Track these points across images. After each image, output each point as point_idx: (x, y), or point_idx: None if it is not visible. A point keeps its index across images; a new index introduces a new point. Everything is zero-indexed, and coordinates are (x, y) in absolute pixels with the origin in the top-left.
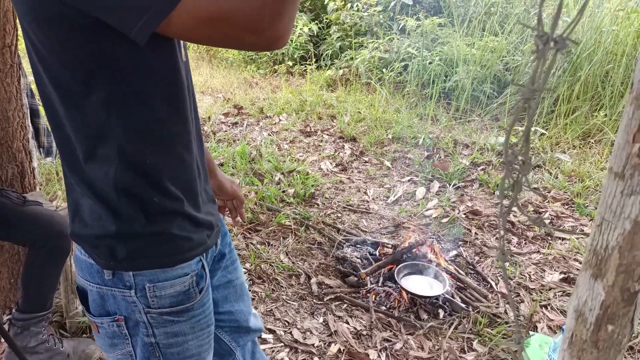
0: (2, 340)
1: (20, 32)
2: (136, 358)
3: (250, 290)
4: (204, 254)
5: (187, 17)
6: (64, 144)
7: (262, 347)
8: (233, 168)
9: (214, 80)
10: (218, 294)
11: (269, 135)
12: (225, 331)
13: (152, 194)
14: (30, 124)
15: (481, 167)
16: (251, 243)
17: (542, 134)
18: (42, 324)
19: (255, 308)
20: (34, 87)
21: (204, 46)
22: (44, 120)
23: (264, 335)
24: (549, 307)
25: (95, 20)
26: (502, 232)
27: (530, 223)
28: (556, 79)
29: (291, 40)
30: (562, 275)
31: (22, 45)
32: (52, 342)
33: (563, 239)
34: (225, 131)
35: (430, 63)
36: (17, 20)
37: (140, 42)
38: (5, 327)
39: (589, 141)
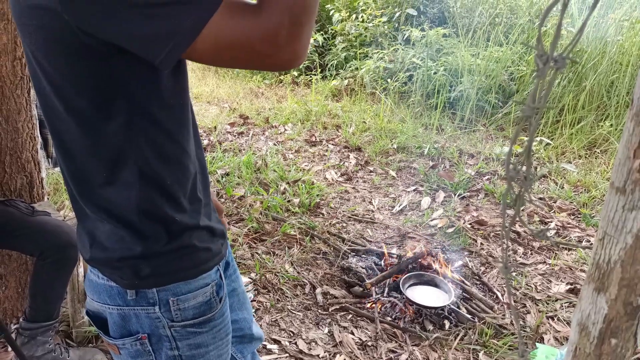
0: (9, 349)
1: None
2: None
3: (255, 300)
4: (220, 264)
5: (209, 43)
6: (75, 171)
7: (267, 357)
8: (239, 178)
9: (220, 90)
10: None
11: (275, 144)
12: (232, 342)
13: (172, 212)
14: (39, 135)
15: (486, 177)
16: (256, 253)
17: (548, 144)
18: (49, 333)
19: (260, 318)
20: None
21: None
22: None
23: (269, 346)
24: (555, 318)
25: (114, 48)
26: (506, 245)
27: (536, 237)
28: (561, 89)
29: None
30: (569, 286)
31: None
32: (58, 352)
33: (569, 249)
34: (231, 141)
35: (435, 73)
36: None
37: (164, 70)
38: (13, 336)
39: (595, 151)
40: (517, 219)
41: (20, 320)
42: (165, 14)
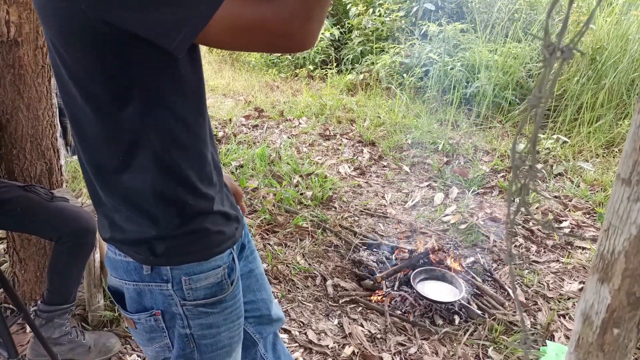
0: (28, 330)
1: None
2: (173, 349)
3: None
4: (233, 247)
5: (222, 27)
6: (92, 157)
7: None
8: (252, 170)
9: (236, 83)
10: (241, 284)
11: (289, 138)
12: (250, 322)
13: (187, 197)
14: (58, 123)
15: (501, 174)
16: (268, 244)
17: (565, 142)
18: (65, 316)
19: None
20: None
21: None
22: None
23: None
24: (567, 317)
25: (129, 36)
26: (510, 232)
27: (542, 227)
28: (580, 87)
29: None
30: (582, 285)
31: None
32: (74, 334)
33: (583, 248)
34: (246, 133)
35: (451, 69)
36: None
37: (178, 55)
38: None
39: (613, 150)
40: (523, 208)
41: (38, 302)
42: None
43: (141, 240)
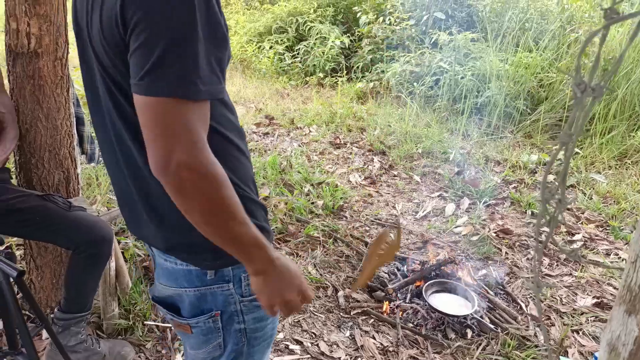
0: (43, 337)
1: (70, 44)
2: (225, 347)
3: None
4: None
5: (152, 109)
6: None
7: (289, 357)
8: (264, 178)
9: (247, 90)
10: None
11: (299, 146)
12: None
13: (245, 195)
14: (75, 132)
15: (513, 185)
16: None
17: (577, 153)
18: (81, 324)
19: (283, 318)
20: (78, 94)
21: (239, 56)
22: (87, 128)
23: (291, 346)
24: (580, 332)
25: None
26: (537, 264)
27: (569, 257)
28: (592, 98)
29: (322, 53)
30: (595, 300)
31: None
32: (90, 342)
33: (597, 262)
34: (257, 141)
35: (462, 78)
36: (69, 34)
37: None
38: None
39: (626, 162)
40: (551, 240)
41: (55, 310)
42: (162, 60)
43: (205, 245)
